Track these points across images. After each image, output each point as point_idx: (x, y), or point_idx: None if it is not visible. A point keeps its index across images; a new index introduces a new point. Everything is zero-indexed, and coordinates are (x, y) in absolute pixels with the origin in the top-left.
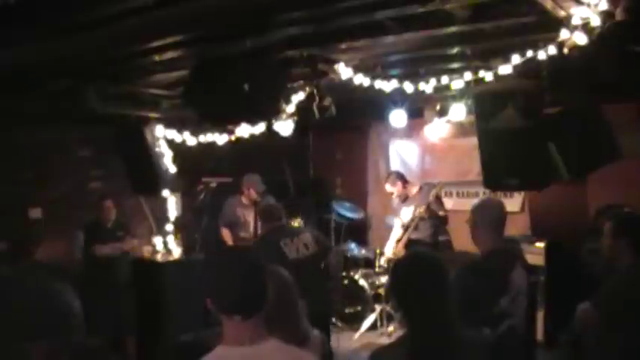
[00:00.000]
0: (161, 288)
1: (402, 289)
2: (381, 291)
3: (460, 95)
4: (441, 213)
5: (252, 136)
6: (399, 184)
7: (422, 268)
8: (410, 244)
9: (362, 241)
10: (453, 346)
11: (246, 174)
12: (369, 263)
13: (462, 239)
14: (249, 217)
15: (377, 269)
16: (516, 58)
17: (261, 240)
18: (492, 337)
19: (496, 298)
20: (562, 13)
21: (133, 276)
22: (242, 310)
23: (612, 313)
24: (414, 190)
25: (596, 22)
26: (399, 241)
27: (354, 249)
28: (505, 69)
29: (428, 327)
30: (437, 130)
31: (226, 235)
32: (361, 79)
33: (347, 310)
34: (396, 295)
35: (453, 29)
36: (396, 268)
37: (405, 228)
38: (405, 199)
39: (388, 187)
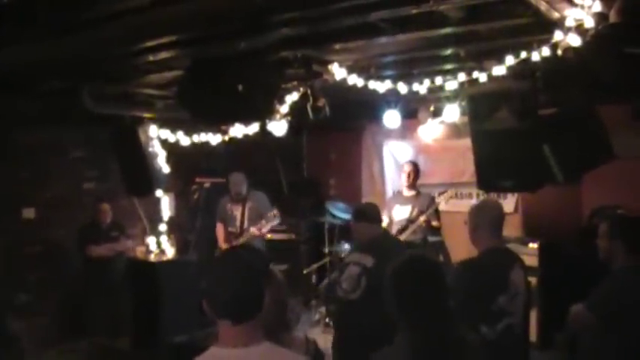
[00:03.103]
0: (154, 288)
1: (400, 292)
2: None
3: (454, 96)
4: (434, 223)
5: (246, 136)
6: (414, 174)
7: (419, 270)
8: None
9: None
10: (452, 347)
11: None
12: None
13: (455, 239)
14: (237, 212)
15: None
16: (510, 60)
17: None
18: (490, 335)
19: (494, 295)
20: (556, 15)
21: (127, 276)
22: (233, 316)
23: (606, 314)
24: (416, 190)
25: (590, 23)
26: None
27: (347, 250)
28: (499, 70)
29: (427, 329)
30: (431, 131)
31: (220, 229)
32: (355, 80)
33: None
34: (394, 298)
35: (447, 30)
36: (393, 271)
37: (400, 231)
38: (412, 188)
39: (406, 168)
